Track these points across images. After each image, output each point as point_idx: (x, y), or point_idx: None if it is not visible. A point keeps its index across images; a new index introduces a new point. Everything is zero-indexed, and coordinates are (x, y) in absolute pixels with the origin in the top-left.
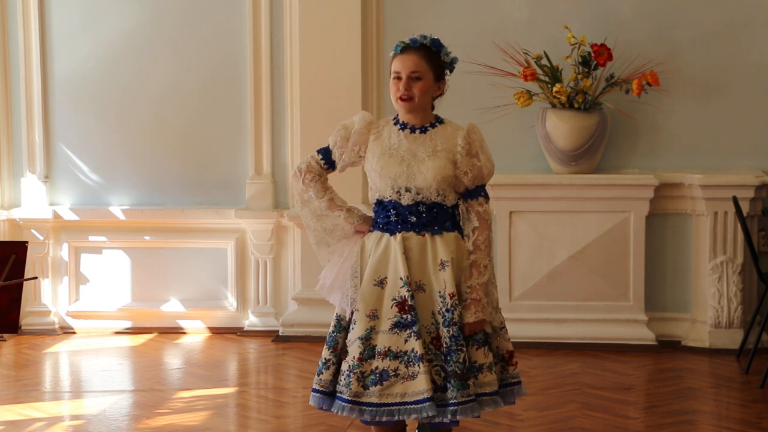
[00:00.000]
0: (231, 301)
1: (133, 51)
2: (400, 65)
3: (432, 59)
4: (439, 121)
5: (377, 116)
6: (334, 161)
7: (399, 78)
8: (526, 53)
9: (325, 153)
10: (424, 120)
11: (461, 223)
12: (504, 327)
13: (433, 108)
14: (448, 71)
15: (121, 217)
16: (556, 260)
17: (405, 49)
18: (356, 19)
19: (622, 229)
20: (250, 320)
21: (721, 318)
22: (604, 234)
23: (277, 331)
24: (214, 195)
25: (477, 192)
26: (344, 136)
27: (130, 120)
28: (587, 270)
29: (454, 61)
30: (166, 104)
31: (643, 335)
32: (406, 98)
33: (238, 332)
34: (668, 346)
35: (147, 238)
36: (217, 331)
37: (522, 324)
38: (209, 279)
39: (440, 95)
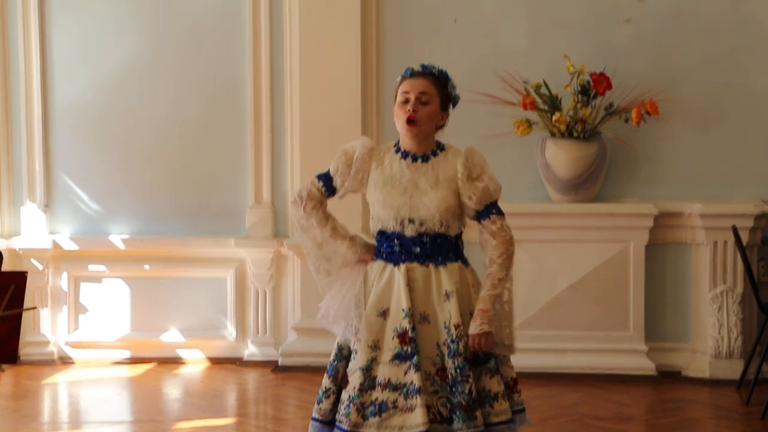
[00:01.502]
0: (230, 330)
1: (134, 80)
2: (409, 86)
3: (440, 87)
4: (441, 147)
5: (377, 142)
6: (334, 188)
7: (407, 101)
8: (525, 82)
9: (326, 179)
10: (426, 148)
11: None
12: (506, 355)
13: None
14: (451, 105)
15: (121, 246)
16: (556, 290)
17: (415, 73)
18: (356, 46)
19: (622, 259)
20: (250, 350)
21: (722, 348)
22: (604, 263)
23: (277, 360)
24: (214, 224)
25: (487, 211)
26: (346, 162)
27: (131, 149)
28: (587, 299)
29: (457, 97)
30: (166, 133)
31: (643, 365)
32: (413, 119)
33: (237, 362)
34: (668, 377)
35: (147, 267)
36: (216, 361)
37: (522, 354)
38: (209, 308)
39: (442, 126)
